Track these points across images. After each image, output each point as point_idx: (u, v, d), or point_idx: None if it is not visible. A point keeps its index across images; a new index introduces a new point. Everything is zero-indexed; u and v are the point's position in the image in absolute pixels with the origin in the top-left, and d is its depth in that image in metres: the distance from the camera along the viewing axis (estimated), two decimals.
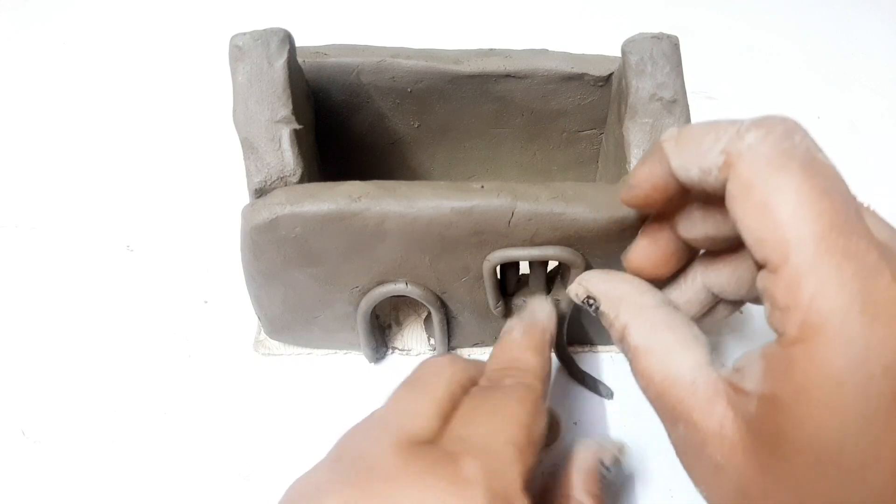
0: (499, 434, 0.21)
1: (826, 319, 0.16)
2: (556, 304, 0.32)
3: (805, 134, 0.19)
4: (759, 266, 0.18)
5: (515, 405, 0.23)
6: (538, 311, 0.28)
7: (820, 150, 0.19)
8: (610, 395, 0.33)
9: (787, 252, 0.17)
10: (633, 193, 0.23)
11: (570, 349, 0.34)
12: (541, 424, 0.23)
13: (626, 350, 0.23)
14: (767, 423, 0.18)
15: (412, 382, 0.24)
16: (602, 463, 0.26)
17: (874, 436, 0.16)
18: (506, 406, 0.23)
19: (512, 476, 0.20)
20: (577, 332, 0.34)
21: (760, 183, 0.18)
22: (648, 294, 0.24)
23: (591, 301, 0.25)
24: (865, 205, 0.19)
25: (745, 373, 0.19)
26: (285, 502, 0.22)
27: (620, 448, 0.27)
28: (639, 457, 0.31)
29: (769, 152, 0.18)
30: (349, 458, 0.21)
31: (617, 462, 0.26)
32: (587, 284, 0.26)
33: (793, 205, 0.17)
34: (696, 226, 0.23)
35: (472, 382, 0.24)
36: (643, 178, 0.22)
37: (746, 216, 0.18)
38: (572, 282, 0.30)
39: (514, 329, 0.27)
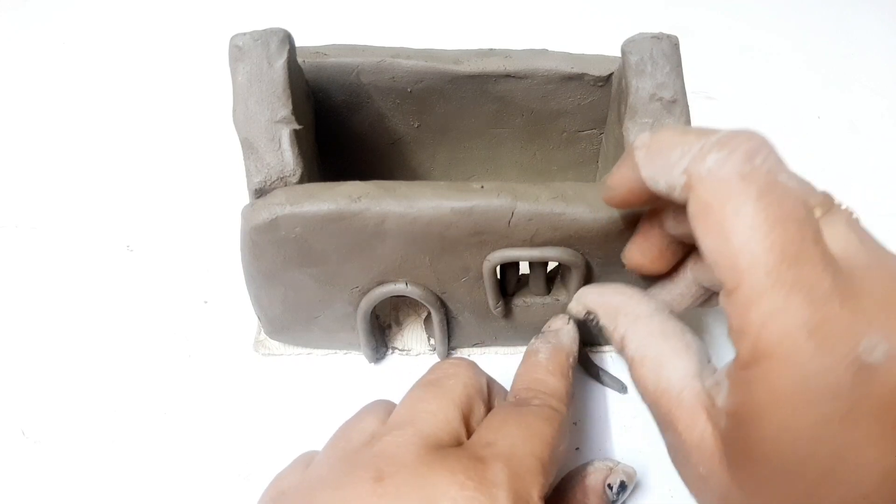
0: (525, 446, 0.22)
1: (774, 346, 0.17)
2: (557, 302, 0.32)
3: (769, 153, 0.19)
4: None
5: (542, 423, 0.24)
6: (563, 335, 0.29)
7: (784, 170, 0.19)
8: (624, 389, 0.33)
9: (740, 279, 0.18)
10: (610, 195, 0.24)
11: None
12: (563, 446, 0.24)
13: (625, 359, 0.24)
14: (736, 438, 0.19)
15: (430, 383, 0.25)
16: (609, 486, 0.27)
17: (829, 452, 0.17)
18: (533, 422, 0.24)
19: (533, 486, 0.21)
20: (581, 332, 0.34)
21: (718, 207, 0.18)
22: (643, 303, 0.25)
23: (591, 316, 0.27)
24: (849, 211, 0.20)
25: (719, 387, 0.20)
26: (285, 494, 0.22)
27: (629, 475, 0.28)
28: (638, 457, 0.31)
29: (728, 176, 0.18)
30: (368, 455, 0.22)
31: (623, 486, 0.27)
32: (584, 300, 0.27)
33: (746, 233, 0.17)
34: (678, 225, 0.24)
35: (484, 389, 0.25)
36: (619, 181, 0.23)
37: (704, 237, 0.19)
38: (573, 282, 0.30)
39: (540, 351, 0.28)
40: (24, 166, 0.44)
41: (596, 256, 0.29)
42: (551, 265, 0.32)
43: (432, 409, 0.23)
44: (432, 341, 0.34)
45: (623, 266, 0.30)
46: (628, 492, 0.27)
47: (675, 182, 0.19)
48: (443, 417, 0.23)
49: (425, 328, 0.35)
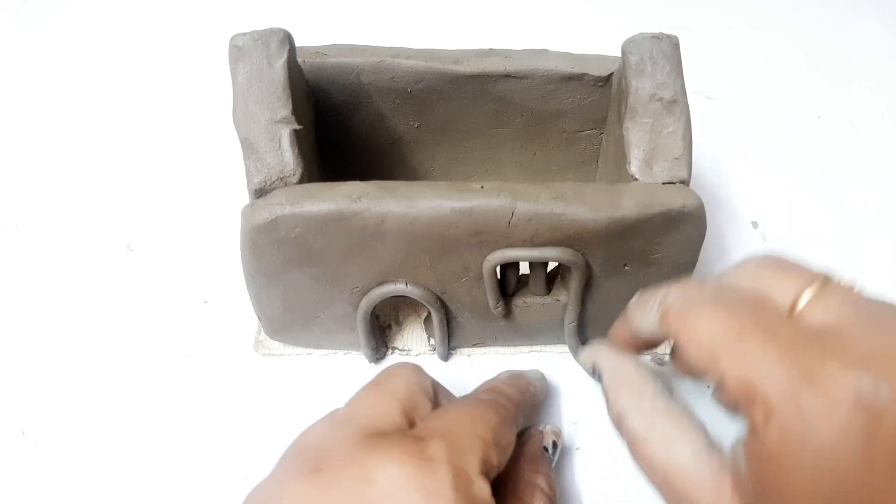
0: (465, 426, 0.23)
1: (776, 402, 0.18)
2: (557, 302, 0.32)
3: (715, 283, 0.23)
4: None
5: (486, 409, 0.25)
6: (529, 372, 0.31)
7: (731, 289, 0.22)
8: None
9: (714, 362, 0.20)
10: (613, 342, 0.28)
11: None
12: (508, 436, 0.25)
13: (624, 434, 0.25)
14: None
15: (374, 384, 0.26)
16: (545, 448, 0.28)
17: (855, 499, 0.17)
18: (477, 408, 0.25)
19: (472, 460, 0.22)
20: (581, 332, 0.34)
21: (681, 324, 0.22)
22: (650, 383, 0.26)
23: (597, 374, 0.28)
24: (847, 286, 0.20)
25: (738, 461, 0.20)
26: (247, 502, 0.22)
27: (557, 433, 0.29)
28: None
29: (682, 302, 0.22)
30: (309, 452, 0.22)
31: (555, 445, 0.29)
32: (597, 358, 0.28)
33: (706, 332, 0.21)
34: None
35: (429, 389, 0.26)
36: (617, 335, 0.27)
37: (684, 352, 0.21)
38: (573, 282, 0.30)
39: (503, 373, 0.30)
40: (24, 166, 0.44)
41: (596, 256, 0.29)
42: (551, 265, 0.32)
43: (371, 404, 0.24)
44: (432, 341, 0.34)
45: (624, 265, 0.30)
46: (559, 449, 0.30)
47: (654, 322, 0.23)
48: (382, 411, 0.23)
49: (425, 328, 0.35)
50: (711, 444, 0.23)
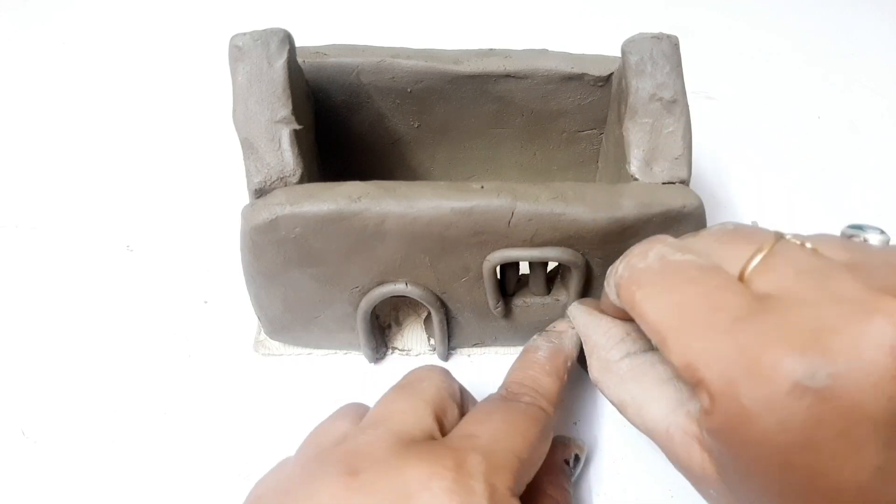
0: (506, 441, 0.23)
1: (719, 388, 0.18)
2: (557, 302, 0.32)
3: (662, 244, 0.22)
4: None
5: (527, 422, 0.24)
6: (566, 338, 0.29)
7: (678, 250, 0.21)
8: None
9: (665, 344, 0.20)
10: (603, 310, 0.27)
11: None
12: (543, 449, 0.25)
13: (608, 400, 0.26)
14: (726, 466, 0.20)
15: (403, 387, 0.25)
16: (566, 461, 0.28)
17: (805, 476, 0.18)
18: (518, 419, 0.24)
19: (507, 478, 0.22)
20: None
21: (630, 300, 0.21)
22: (616, 347, 0.26)
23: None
24: (795, 243, 0.21)
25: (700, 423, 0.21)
26: (261, 498, 0.22)
27: (581, 447, 0.29)
28: (638, 457, 0.31)
29: (629, 275, 0.22)
30: (341, 453, 0.22)
31: (577, 460, 0.29)
32: (575, 319, 0.29)
33: (653, 307, 0.20)
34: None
35: (457, 394, 0.26)
36: (604, 306, 0.27)
37: (638, 320, 0.21)
38: (573, 282, 0.30)
39: (540, 349, 0.29)
40: (24, 166, 0.44)
41: (596, 256, 0.29)
42: (551, 265, 0.32)
43: (404, 408, 0.24)
44: (432, 341, 0.34)
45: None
46: (581, 463, 0.29)
47: (614, 295, 0.23)
48: (414, 416, 0.23)
49: (425, 328, 0.35)
50: (679, 397, 0.23)
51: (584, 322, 0.28)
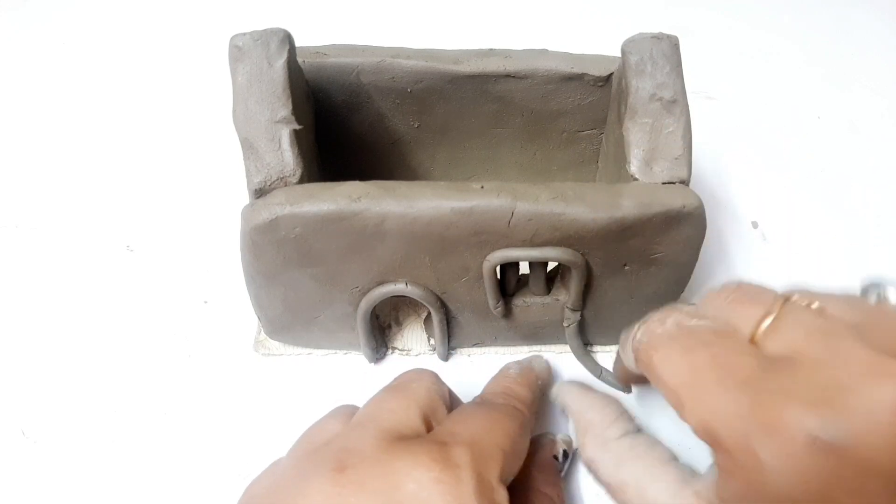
0: (487, 435, 0.23)
1: (732, 443, 0.19)
2: (557, 302, 0.32)
3: (679, 312, 0.23)
4: None
5: (505, 418, 0.25)
6: (536, 363, 0.31)
7: (694, 317, 0.22)
8: (628, 389, 0.33)
9: (679, 405, 0.21)
10: (618, 379, 0.29)
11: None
12: (523, 444, 0.25)
13: (599, 481, 0.26)
14: None
15: (393, 388, 0.26)
16: (555, 457, 0.29)
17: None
18: (496, 416, 0.25)
19: (493, 467, 0.22)
20: (581, 332, 0.34)
21: (649, 363, 0.22)
22: (614, 426, 0.27)
23: (565, 412, 0.29)
24: (802, 306, 0.21)
25: (711, 496, 0.22)
26: (255, 497, 0.23)
27: (568, 442, 0.30)
28: None
29: (647, 340, 0.23)
30: (331, 450, 0.22)
31: (566, 455, 0.29)
32: (563, 398, 0.30)
33: (669, 370, 0.21)
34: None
35: (447, 396, 0.26)
36: (617, 372, 0.28)
37: (655, 385, 0.22)
38: (573, 282, 0.30)
39: (511, 368, 0.30)
40: (24, 166, 0.44)
41: (596, 256, 0.29)
42: (551, 265, 0.32)
43: (393, 408, 0.24)
44: (432, 341, 0.34)
45: (624, 265, 0.30)
46: (570, 458, 0.30)
47: (632, 360, 0.24)
48: (403, 414, 0.24)
49: (425, 328, 0.35)
50: (683, 476, 0.24)
51: (576, 399, 0.29)
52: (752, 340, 0.20)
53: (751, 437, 0.18)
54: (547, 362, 0.32)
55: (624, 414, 0.28)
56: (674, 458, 0.25)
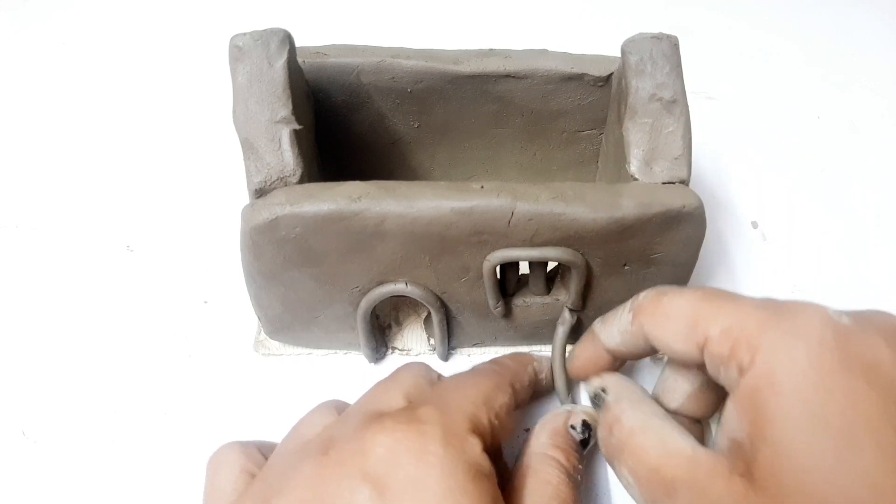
0: (455, 391, 0.24)
1: (780, 376, 0.19)
2: (557, 302, 0.32)
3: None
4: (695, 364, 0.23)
5: (477, 376, 0.26)
6: (535, 355, 0.31)
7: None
8: (570, 399, 0.31)
9: (697, 333, 0.22)
10: (574, 365, 0.29)
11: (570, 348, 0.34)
12: (500, 398, 0.25)
13: (618, 431, 0.24)
14: (764, 477, 0.20)
15: (384, 381, 0.26)
16: (572, 426, 0.28)
17: (841, 473, 0.18)
18: (469, 377, 0.26)
19: (461, 419, 0.22)
20: (580, 332, 0.34)
21: (656, 308, 0.24)
22: (647, 400, 0.26)
23: (603, 392, 0.27)
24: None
25: (728, 426, 0.21)
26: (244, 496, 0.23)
27: (592, 416, 0.28)
28: None
29: (654, 294, 0.24)
30: (318, 439, 0.23)
31: (586, 425, 0.28)
32: (605, 381, 0.28)
33: (682, 305, 0.23)
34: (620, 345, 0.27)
35: (434, 379, 0.27)
36: (582, 356, 0.28)
37: (664, 335, 0.23)
38: (573, 282, 0.30)
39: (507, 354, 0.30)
40: (24, 166, 0.44)
41: (596, 256, 0.29)
42: (551, 265, 0.32)
43: (377, 393, 0.25)
44: (432, 341, 0.34)
45: (624, 265, 0.30)
46: (593, 431, 0.28)
47: (626, 323, 0.25)
48: (385, 395, 0.25)
49: (425, 328, 0.35)
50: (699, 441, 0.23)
51: (616, 379, 0.27)
52: None
53: (774, 325, 0.20)
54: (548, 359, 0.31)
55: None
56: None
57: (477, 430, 0.23)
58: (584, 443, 0.27)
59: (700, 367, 0.23)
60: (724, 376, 0.21)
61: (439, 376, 0.27)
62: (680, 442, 0.22)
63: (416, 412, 0.22)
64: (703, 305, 0.22)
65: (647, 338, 0.24)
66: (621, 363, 0.28)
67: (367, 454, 0.21)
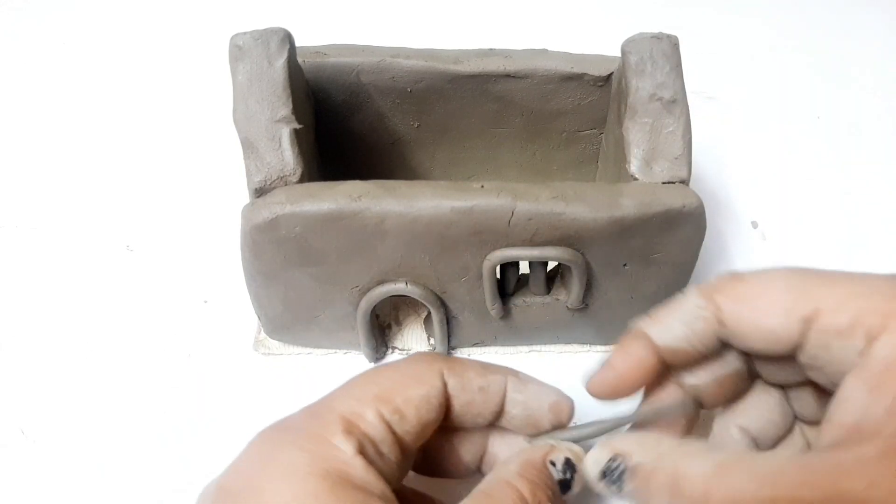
0: (350, 389, 0.22)
1: None
2: (557, 302, 0.32)
3: None
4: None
5: (395, 367, 0.23)
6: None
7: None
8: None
9: (805, 311, 0.20)
10: (605, 379, 0.23)
11: (570, 348, 0.34)
12: (415, 390, 0.22)
13: (688, 488, 0.19)
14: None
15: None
16: (552, 462, 0.23)
17: None
18: (385, 369, 0.23)
19: (332, 420, 0.21)
20: (580, 332, 0.34)
21: (744, 289, 0.21)
22: (692, 442, 0.22)
23: (618, 461, 0.21)
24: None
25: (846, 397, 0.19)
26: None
27: (577, 455, 0.23)
28: None
29: (729, 275, 0.22)
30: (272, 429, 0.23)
31: (569, 464, 0.23)
32: (617, 444, 0.22)
33: (781, 283, 0.21)
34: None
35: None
36: (619, 364, 0.23)
37: (745, 312, 0.21)
38: (573, 282, 0.30)
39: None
40: (24, 166, 0.44)
41: (596, 256, 0.29)
42: (551, 265, 0.32)
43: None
44: (432, 341, 0.34)
45: (624, 265, 0.30)
46: (578, 474, 0.23)
47: (693, 305, 0.22)
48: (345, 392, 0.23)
49: (425, 328, 0.35)
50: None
51: (631, 438, 0.22)
52: None
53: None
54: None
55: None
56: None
57: (352, 431, 0.20)
58: (563, 485, 0.23)
59: (780, 355, 0.21)
60: (837, 351, 0.19)
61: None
62: (774, 459, 0.18)
63: (288, 417, 0.21)
64: (809, 277, 0.20)
65: (725, 321, 0.21)
66: (665, 375, 0.23)
67: (230, 467, 0.21)
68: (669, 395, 0.24)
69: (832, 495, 0.16)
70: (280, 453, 0.20)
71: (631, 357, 0.22)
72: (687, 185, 0.29)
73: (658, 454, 0.20)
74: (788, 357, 0.21)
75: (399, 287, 0.30)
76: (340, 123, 0.35)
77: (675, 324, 0.22)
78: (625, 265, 0.30)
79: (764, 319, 0.20)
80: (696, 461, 0.19)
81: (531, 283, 0.31)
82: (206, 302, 0.37)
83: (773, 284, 0.21)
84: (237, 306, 0.35)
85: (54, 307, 0.36)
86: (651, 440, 0.21)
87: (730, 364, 0.23)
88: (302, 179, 0.28)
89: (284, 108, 0.28)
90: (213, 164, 0.44)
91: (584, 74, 0.33)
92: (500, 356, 0.34)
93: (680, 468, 0.19)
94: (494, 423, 0.25)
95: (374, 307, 0.31)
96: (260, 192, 0.28)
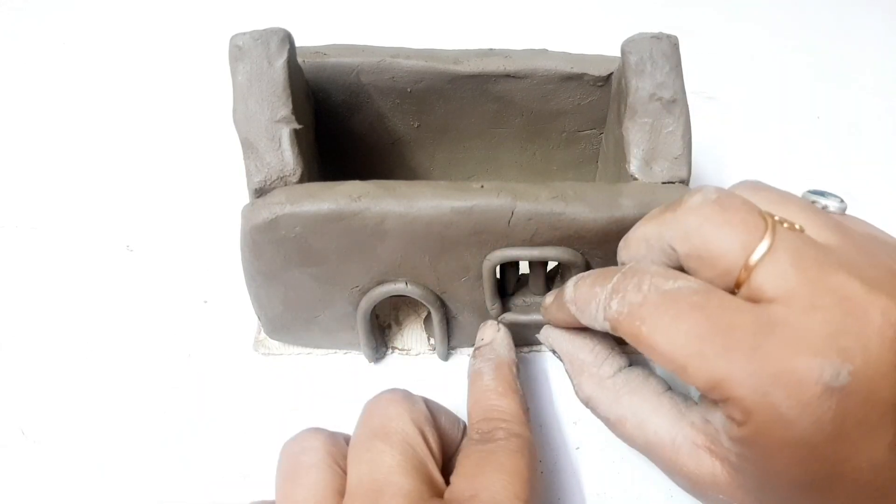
0: (506, 490, 0.23)
1: (752, 404, 0.19)
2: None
3: (651, 275, 0.22)
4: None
5: (514, 458, 0.24)
6: (499, 346, 0.30)
7: (669, 277, 0.22)
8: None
9: (683, 371, 0.20)
10: (549, 318, 0.28)
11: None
12: (537, 470, 0.25)
13: (598, 417, 0.26)
14: (748, 471, 0.21)
15: (376, 435, 0.24)
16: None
17: (829, 469, 0.19)
18: (506, 461, 0.24)
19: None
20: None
21: (636, 335, 0.21)
22: (607, 363, 0.26)
23: (557, 354, 0.28)
24: (792, 233, 0.21)
25: (715, 427, 0.22)
26: None
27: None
28: (639, 457, 0.31)
29: (628, 311, 0.22)
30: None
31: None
32: (552, 342, 0.28)
33: (664, 343, 0.21)
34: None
35: (427, 413, 0.25)
36: (557, 320, 0.27)
37: (652, 358, 0.21)
38: (570, 278, 0.30)
39: (484, 373, 0.28)
40: (24, 166, 0.44)
41: (596, 256, 0.29)
42: (551, 265, 0.32)
43: (391, 466, 0.23)
44: (432, 341, 0.34)
45: (623, 265, 0.30)
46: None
47: (604, 327, 0.23)
48: (404, 479, 0.22)
49: (425, 328, 0.35)
50: (679, 408, 0.24)
51: (566, 341, 0.28)
52: (745, 268, 0.20)
53: (769, 393, 0.19)
54: (506, 335, 0.30)
55: (615, 349, 0.27)
56: (668, 389, 0.25)
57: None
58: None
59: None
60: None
61: (426, 401, 0.26)
62: (658, 425, 0.23)
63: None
64: (689, 352, 0.20)
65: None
66: None
67: None
68: None
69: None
70: None
71: (561, 318, 0.27)
72: (687, 185, 0.29)
73: (579, 381, 0.27)
74: None
75: (399, 287, 0.30)
76: (340, 123, 0.35)
77: (593, 323, 0.24)
78: (624, 265, 0.30)
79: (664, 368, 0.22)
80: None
81: (531, 283, 0.31)
82: (206, 302, 0.37)
83: (662, 350, 0.21)
84: (237, 306, 0.35)
85: (54, 307, 0.36)
86: (576, 363, 0.27)
87: None
88: (302, 179, 0.28)
89: (284, 109, 0.28)
90: (213, 164, 0.44)
91: (584, 74, 0.33)
92: None
93: (588, 397, 0.26)
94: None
95: (374, 307, 0.31)
96: (260, 192, 0.28)
